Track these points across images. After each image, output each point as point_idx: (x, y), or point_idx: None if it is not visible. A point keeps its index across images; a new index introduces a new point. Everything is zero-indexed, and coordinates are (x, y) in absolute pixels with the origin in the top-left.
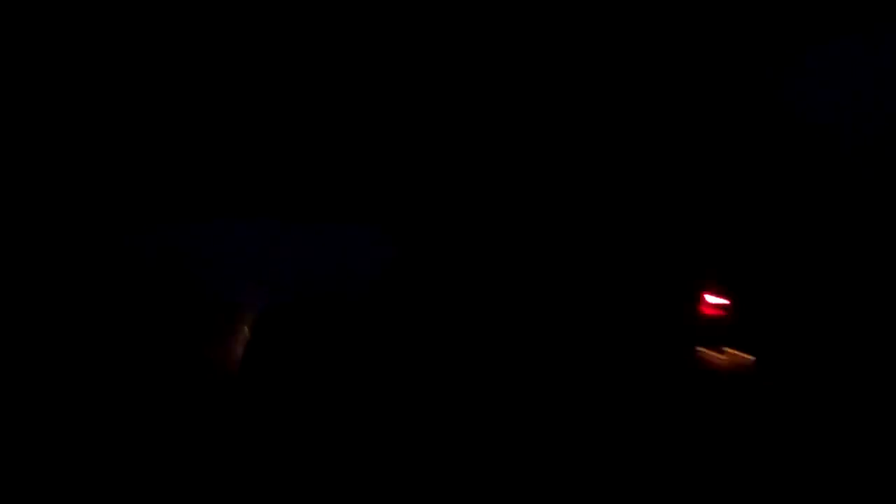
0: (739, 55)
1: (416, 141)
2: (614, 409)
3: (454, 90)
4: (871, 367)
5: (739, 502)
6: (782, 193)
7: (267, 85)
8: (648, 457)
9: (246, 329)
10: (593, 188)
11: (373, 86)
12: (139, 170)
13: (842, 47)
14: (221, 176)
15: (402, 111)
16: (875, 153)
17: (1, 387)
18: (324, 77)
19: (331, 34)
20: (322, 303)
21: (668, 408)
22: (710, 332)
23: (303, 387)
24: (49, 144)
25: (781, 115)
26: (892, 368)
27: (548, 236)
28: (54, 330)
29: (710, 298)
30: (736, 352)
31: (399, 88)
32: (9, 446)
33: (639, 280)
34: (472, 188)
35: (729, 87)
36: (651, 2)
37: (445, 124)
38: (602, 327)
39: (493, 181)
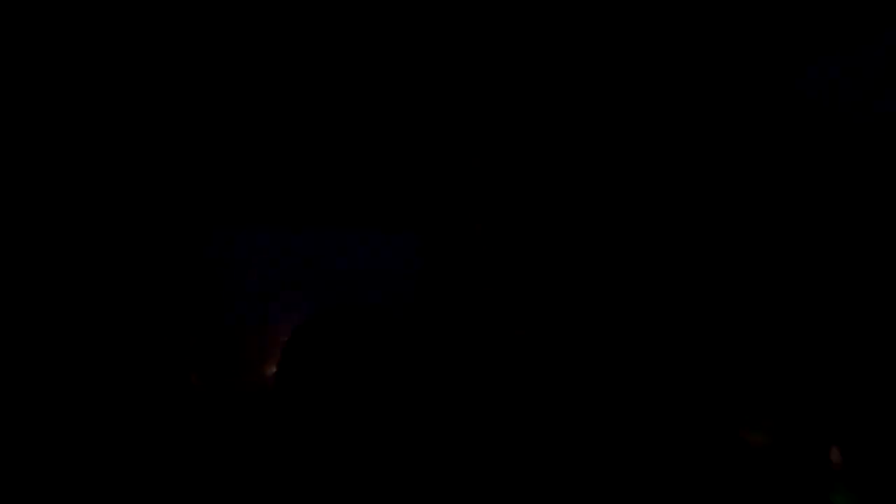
0: (765, 54)
1: (445, 144)
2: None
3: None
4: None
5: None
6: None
7: (294, 89)
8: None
9: (281, 344)
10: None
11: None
12: (170, 176)
13: (870, 45)
14: (253, 184)
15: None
16: None
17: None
18: (359, 82)
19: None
20: (359, 313)
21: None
22: None
23: (338, 399)
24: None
25: (809, 115)
26: None
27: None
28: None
29: None
30: None
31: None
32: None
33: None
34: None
35: (754, 87)
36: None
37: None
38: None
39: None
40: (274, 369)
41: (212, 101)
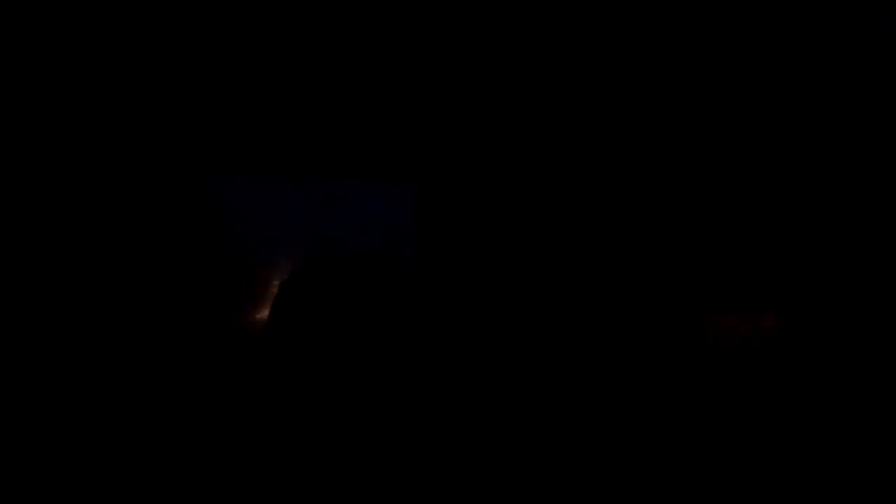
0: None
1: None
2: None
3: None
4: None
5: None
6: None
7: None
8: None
9: (275, 287)
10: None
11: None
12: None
13: None
14: (252, 129)
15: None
16: None
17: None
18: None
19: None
20: (356, 262)
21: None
22: None
23: (331, 349)
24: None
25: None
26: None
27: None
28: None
29: None
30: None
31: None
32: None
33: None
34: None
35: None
36: None
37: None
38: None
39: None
40: (265, 315)
41: (212, 45)
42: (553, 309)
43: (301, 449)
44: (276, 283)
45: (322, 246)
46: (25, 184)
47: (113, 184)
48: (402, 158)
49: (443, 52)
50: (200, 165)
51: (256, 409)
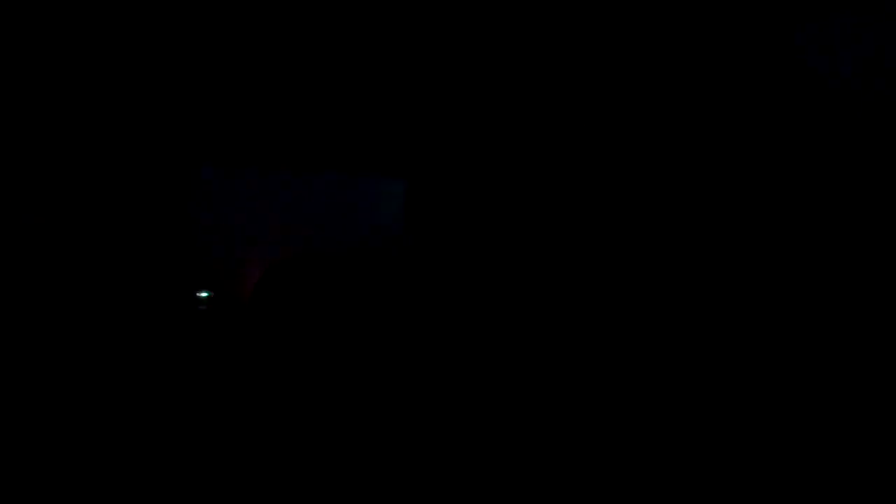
0: (762, 17)
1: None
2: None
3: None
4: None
5: None
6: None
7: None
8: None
9: (257, 279)
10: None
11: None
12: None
13: (864, 10)
14: (243, 123)
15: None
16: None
17: None
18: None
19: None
20: (331, 256)
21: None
22: None
23: (308, 338)
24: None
25: (806, 79)
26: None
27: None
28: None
29: None
30: None
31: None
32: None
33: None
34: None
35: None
36: None
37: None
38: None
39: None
40: (246, 304)
41: (203, 39)
42: (535, 300)
43: (277, 434)
44: (258, 274)
45: (308, 239)
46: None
47: (90, 174)
48: (393, 155)
49: (428, 48)
50: (185, 157)
51: (234, 394)
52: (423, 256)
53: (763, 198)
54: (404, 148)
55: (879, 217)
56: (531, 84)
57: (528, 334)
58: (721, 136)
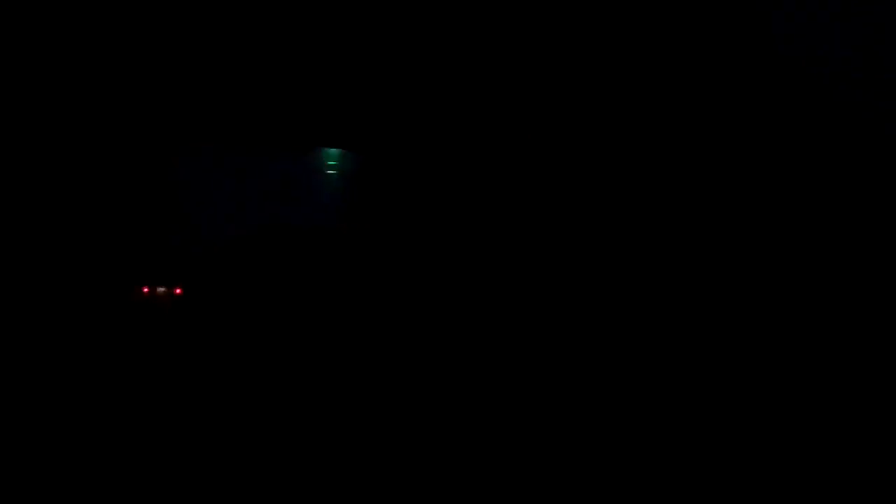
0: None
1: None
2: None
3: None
4: None
5: None
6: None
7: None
8: None
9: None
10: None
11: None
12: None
13: None
14: (197, 107)
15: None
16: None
17: None
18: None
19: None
20: (281, 234)
21: None
22: None
23: (251, 315)
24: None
25: (775, 60)
26: None
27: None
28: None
29: None
30: None
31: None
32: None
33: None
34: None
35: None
36: None
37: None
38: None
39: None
40: (202, 283)
41: (175, 29)
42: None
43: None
44: (201, 255)
45: (261, 216)
46: None
47: (75, 168)
48: (337, 132)
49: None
50: (153, 146)
51: (176, 374)
52: (367, 231)
53: (742, 187)
54: (349, 124)
55: (857, 204)
56: (492, 64)
57: (484, 315)
58: (699, 125)
